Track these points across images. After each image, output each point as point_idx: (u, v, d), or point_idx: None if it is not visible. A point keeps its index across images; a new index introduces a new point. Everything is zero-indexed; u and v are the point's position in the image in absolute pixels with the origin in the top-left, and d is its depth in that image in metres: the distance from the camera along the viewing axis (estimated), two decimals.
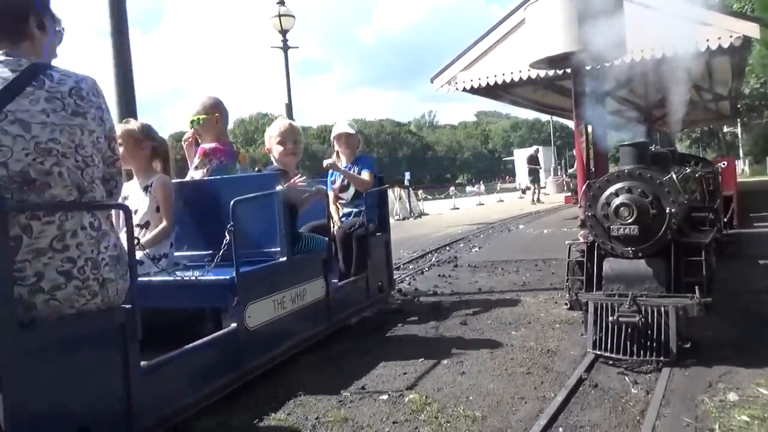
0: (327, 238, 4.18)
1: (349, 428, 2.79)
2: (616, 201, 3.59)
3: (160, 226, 3.63)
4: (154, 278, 3.29)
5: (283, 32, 13.74)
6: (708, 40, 9.16)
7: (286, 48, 13.86)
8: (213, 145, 4.16)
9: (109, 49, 6.32)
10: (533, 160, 20.97)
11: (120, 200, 2.78)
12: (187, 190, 3.97)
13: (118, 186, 2.54)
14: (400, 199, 17.88)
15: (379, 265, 5.09)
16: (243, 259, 3.37)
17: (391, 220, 17.02)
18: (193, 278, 3.27)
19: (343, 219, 4.96)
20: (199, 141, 4.27)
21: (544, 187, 26.17)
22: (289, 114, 14.12)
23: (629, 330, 3.37)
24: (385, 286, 5.21)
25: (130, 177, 3.72)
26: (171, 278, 3.24)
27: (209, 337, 3.06)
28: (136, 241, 2.50)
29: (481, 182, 34.85)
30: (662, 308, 3.32)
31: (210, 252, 3.54)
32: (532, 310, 4.86)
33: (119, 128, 3.52)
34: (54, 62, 2.38)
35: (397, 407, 2.98)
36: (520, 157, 35.46)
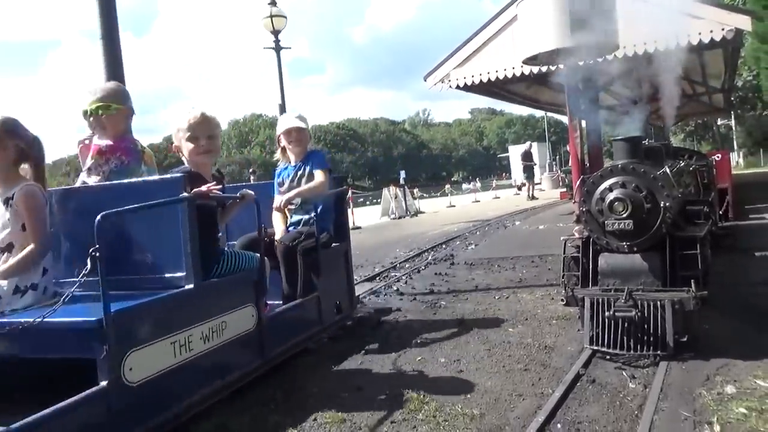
0: (258, 255, 3.45)
1: (347, 428, 2.79)
2: (611, 196, 3.59)
3: (27, 249, 2.85)
4: (10, 318, 2.61)
5: (275, 33, 13.69)
6: (700, 33, 9.18)
7: (278, 49, 13.81)
8: (109, 142, 3.38)
9: (100, 52, 6.31)
10: (527, 156, 20.93)
11: None
12: (71, 199, 3.18)
13: None
14: (396, 197, 17.86)
15: (336, 281, 4.42)
16: (140, 288, 2.80)
17: (387, 219, 17.09)
18: (37, 320, 2.40)
19: (291, 228, 4.21)
20: (96, 136, 3.45)
21: (539, 183, 26.20)
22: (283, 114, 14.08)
23: (626, 325, 3.37)
24: (345, 305, 4.56)
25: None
26: (31, 318, 2.44)
27: (65, 402, 2.27)
28: None
29: (477, 179, 34.85)
30: (658, 302, 3.32)
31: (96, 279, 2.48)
32: (528, 307, 4.85)
33: None
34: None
35: (394, 407, 2.98)
36: (515, 153, 35.47)
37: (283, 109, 13.86)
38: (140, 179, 3.22)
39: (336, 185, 4.50)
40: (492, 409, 2.88)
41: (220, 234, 3.38)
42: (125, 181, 3.18)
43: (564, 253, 3.95)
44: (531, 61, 8.66)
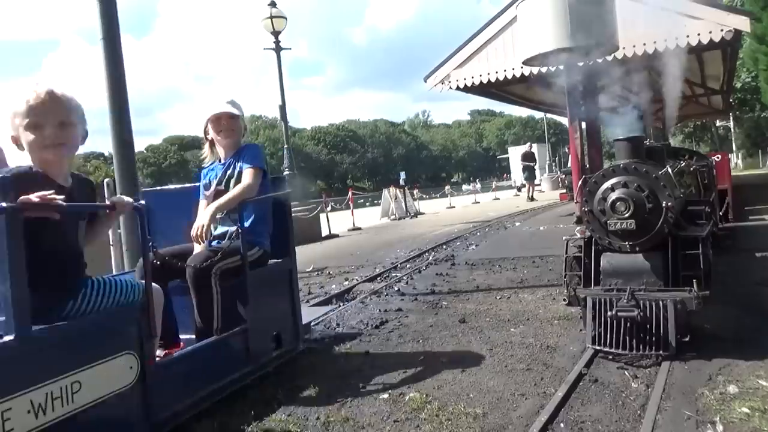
0: (142, 282, 2.65)
1: (350, 428, 2.78)
2: (613, 196, 3.59)
3: None
4: None
5: (275, 34, 13.71)
6: (699, 34, 9.21)
7: (278, 50, 13.82)
8: None
9: (101, 54, 6.31)
10: (527, 156, 20.89)
11: None
12: None
13: None
14: (396, 198, 17.88)
15: (274, 308, 3.63)
16: None
17: (387, 220, 17.10)
18: None
19: (215, 243, 3.39)
20: None
21: (539, 184, 26.22)
22: (283, 116, 14.10)
23: (628, 324, 3.37)
24: (288, 336, 3.73)
25: None
26: None
27: None
28: None
29: (477, 180, 34.87)
30: (660, 302, 3.32)
31: None
32: (530, 307, 4.86)
33: None
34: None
35: (397, 406, 2.98)
36: (515, 154, 35.49)
37: (283, 109, 13.88)
38: None
39: (274, 188, 3.72)
40: (495, 408, 2.88)
41: (82, 257, 2.54)
42: None
43: (566, 253, 3.95)
44: (531, 62, 8.71)
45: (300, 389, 3.29)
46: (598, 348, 3.46)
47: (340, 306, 5.56)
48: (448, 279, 6.50)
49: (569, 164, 18.68)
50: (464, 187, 39.01)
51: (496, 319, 4.56)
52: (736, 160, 33.17)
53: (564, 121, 21.19)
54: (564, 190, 18.75)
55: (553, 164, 40.74)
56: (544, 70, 10.33)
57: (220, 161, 3.62)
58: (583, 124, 10.52)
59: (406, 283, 6.45)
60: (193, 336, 3.24)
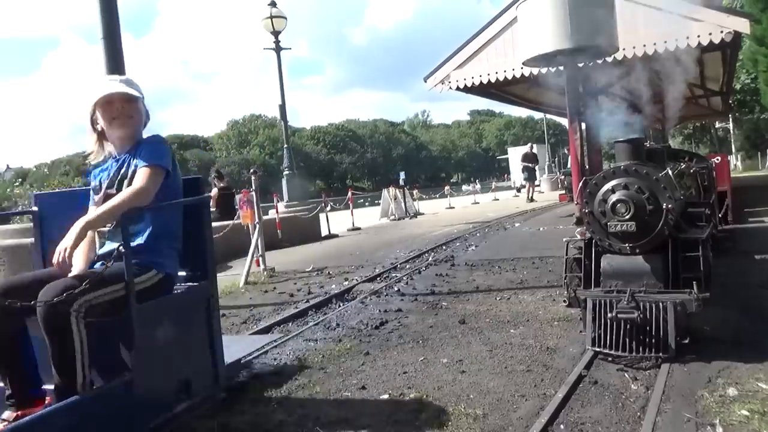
0: None
1: (350, 428, 2.79)
2: (613, 197, 3.60)
3: None
4: None
5: (275, 33, 13.71)
6: (699, 36, 9.22)
7: (278, 49, 13.82)
8: None
9: (101, 53, 6.32)
10: (528, 157, 20.78)
11: None
12: None
13: None
14: (395, 199, 17.87)
15: (183, 347, 2.81)
16: None
17: (387, 220, 17.09)
18: None
19: (99, 266, 2.56)
20: None
21: (539, 185, 26.21)
22: (283, 115, 14.09)
23: (628, 326, 3.38)
24: (202, 383, 2.91)
25: None
26: None
27: None
28: None
29: (477, 181, 34.88)
30: (660, 304, 3.33)
31: None
32: (530, 308, 4.86)
33: None
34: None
35: (398, 406, 2.98)
36: (515, 155, 35.48)
37: (283, 109, 13.89)
38: None
39: (189, 192, 2.92)
40: (495, 409, 2.88)
41: None
42: None
43: (566, 255, 3.95)
44: (531, 62, 8.71)
45: (300, 388, 3.29)
46: (597, 350, 3.47)
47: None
48: (447, 280, 6.50)
49: (569, 165, 18.67)
50: (464, 187, 39.04)
51: (496, 320, 4.56)
52: (735, 161, 33.19)
53: (563, 121, 21.17)
54: (563, 191, 18.74)
55: (553, 165, 40.75)
56: (544, 71, 10.35)
57: (113, 157, 2.82)
58: (583, 125, 10.53)
59: (406, 283, 6.45)
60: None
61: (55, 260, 2.34)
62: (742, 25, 8.99)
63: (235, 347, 3.58)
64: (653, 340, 3.31)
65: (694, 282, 3.36)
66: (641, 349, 3.34)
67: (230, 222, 9.65)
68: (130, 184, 2.62)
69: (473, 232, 11.11)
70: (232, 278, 7.63)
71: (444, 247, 9.29)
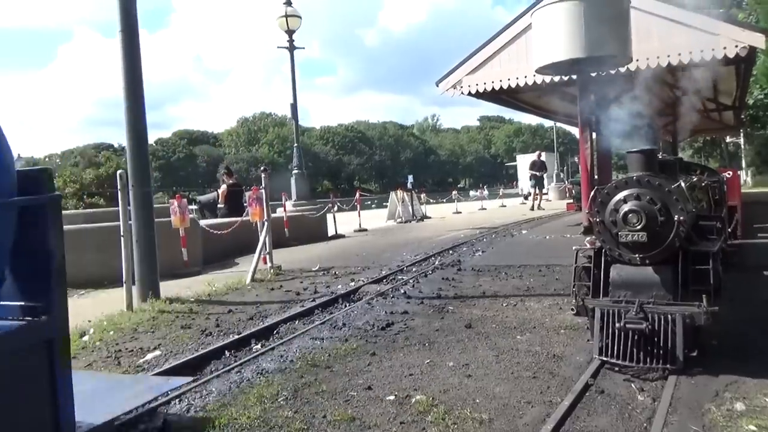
0: None
1: (356, 427, 2.80)
2: (625, 208, 3.60)
3: None
4: None
5: (290, 32, 13.77)
6: (713, 50, 9.21)
7: (292, 48, 13.88)
8: None
9: (118, 46, 6.37)
10: (535, 165, 20.64)
11: None
12: None
13: None
14: (402, 201, 17.88)
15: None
16: None
17: (394, 223, 17.09)
18: None
19: None
20: None
21: (546, 193, 26.12)
22: (295, 115, 14.14)
23: (636, 337, 3.37)
24: None
25: None
26: None
27: None
28: None
29: (485, 187, 34.85)
30: (669, 316, 3.32)
31: None
32: (536, 315, 4.86)
33: None
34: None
35: (403, 408, 2.99)
36: (523, 162, 35.40)
37: (294, 108, 13.93)
38: None
39: (26, 189, 2.13)
40: (501, 414, 2.89)
41: None
42: None
43: (575, 263, 3.95)
44: (544, 70, 8.72)
45: (306, 386, 3.29)
46: (604, 359, 3.46)
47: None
48: (454, 284, 6.50)
49: (578, 174, 18.59)
50: (471, 192, 38.96)
51: (502, 326, 4.56)
52: (745, 177, 32.98)
53: (573, 130, 21.11)
54: (571, 200, 18.69)
55: (561, 173, 40.62)
56: (556, 79, 10.35)
57: None
58: (594, 135, 10.51)
59: (412, 286, 6.46)
60: None
61: None
62: (758, 40, 8.97)
63: (116, 398, 2.64)
64: (661, 352, 3.31)
65: (703, 295, 3.36)
66: (648, 360, 3.34)
67: (239, 219, 9.70)
68: None
69: (480, 238, 11.11)
70: (238, 275, 7.66)
71: (451, 252, 9.29)
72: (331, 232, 13.50)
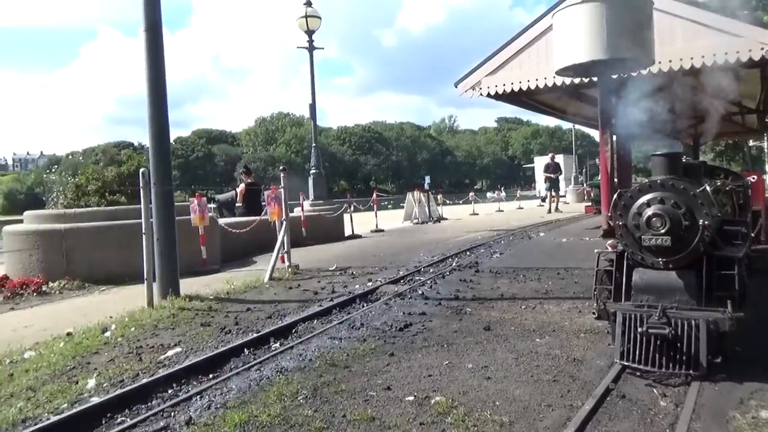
0: None
1: (376, 427, 2.81)
2: (649, 211, 3.56)
3: None
4: None
5: (309, 33, 13.82)
6: (738, 52, 9.06)
7: (311, 48, 13.93)
8: None
9: (142, 45, 6.44)
10: (549, 168, 20.42)
11: None
12: None
13: None
14: (419, 202, 17.86)
15: None
16: None
17: (410, 224, 17.08)
18: None
19: None
20: None
21: (564, 196, 25.90)
22: (313, 115, 14.19)
23: (658, 342, 3.34)
24: None
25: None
26: None
27: None
28: None
29: (502, 188, 34.70)
30: (693, 321, 3.28)
31: None
32: (556, 318, 4.83)
33: None
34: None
35: (423, 409, 2.99)
36: (541, 164, 35.13)
37: (313, 108, 13.98)
38: None
39: None
40: (521, 417, 2.87)
41: None
42: None
43: (597, 266, 3.92)
44: (564, 72, 8.64)
45: (325, 384, 3.30)
46: (626, 364, 3.43)
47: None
48: (472, 285, 6.49)
49: (596, 177, 18.38)
50: (488, 194, 38.79)
51: (521, 329, 4.54)
52: None
53: (592, 132, 20.89)
54: (590, 203, 18.52)
55: (579, 176, 40.27)
56: (577, 80, 10.27)
57: None
58: (614, 137, 10.41)
59: (430, 287, 6.45)
60: None
61: None
62: None
63: None
64: (684, 357, 3.27)
65: (728, 301, 3.31)
66: (671, 366, 3.30)
67: (258, 218, 9.76)
68: None
69: (497, 240, 11.06)
70: (256, 273, 7.71)
71: (468, 253, 9.26)
72: (348, 232, 13.54)
